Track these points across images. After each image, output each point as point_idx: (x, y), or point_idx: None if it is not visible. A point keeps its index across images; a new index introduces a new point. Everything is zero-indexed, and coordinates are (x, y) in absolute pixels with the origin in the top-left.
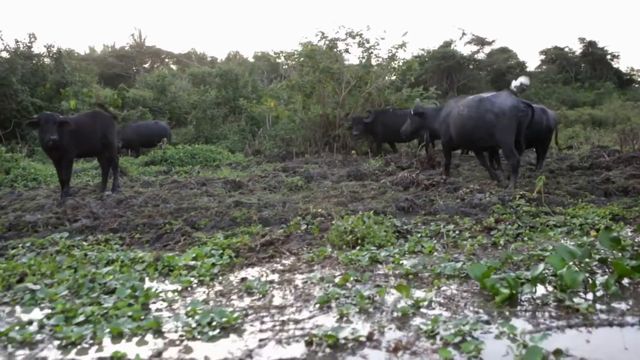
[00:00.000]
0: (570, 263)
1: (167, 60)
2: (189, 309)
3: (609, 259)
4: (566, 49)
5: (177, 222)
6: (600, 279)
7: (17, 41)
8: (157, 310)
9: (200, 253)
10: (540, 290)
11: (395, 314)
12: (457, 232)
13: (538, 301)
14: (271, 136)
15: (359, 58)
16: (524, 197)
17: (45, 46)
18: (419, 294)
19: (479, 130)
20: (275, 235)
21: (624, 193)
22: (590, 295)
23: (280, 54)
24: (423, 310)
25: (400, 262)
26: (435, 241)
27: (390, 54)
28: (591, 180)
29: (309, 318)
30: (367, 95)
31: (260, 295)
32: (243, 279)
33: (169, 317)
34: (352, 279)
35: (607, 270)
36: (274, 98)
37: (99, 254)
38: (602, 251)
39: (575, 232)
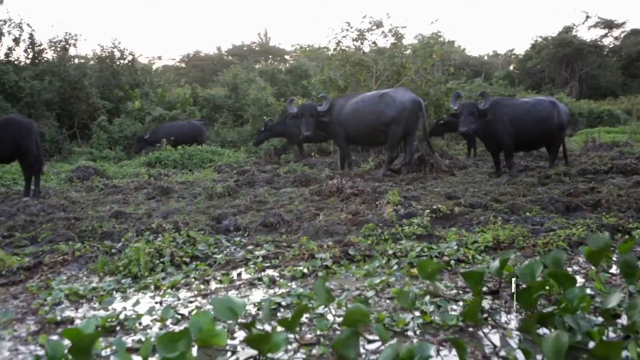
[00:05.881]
0: (220, 328)
1: (286, 57)
2: None
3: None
4: None
5: (22, 234)
6: None
7: (102, 47)
8: None
9: None
10: None
11: None
12: (259, 259)
13: None
14: None
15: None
16: (437, 212)
17: (119, 50)
18: None
19: (379, 125)
20: (74, 255)
21: (594, 208)
22: None
23: (307, 49)
24: None
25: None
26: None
27: (421, 43)
28: (565, 191)
29: None
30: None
31: None
32: None
33: None
34: None
35: None
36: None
37: None
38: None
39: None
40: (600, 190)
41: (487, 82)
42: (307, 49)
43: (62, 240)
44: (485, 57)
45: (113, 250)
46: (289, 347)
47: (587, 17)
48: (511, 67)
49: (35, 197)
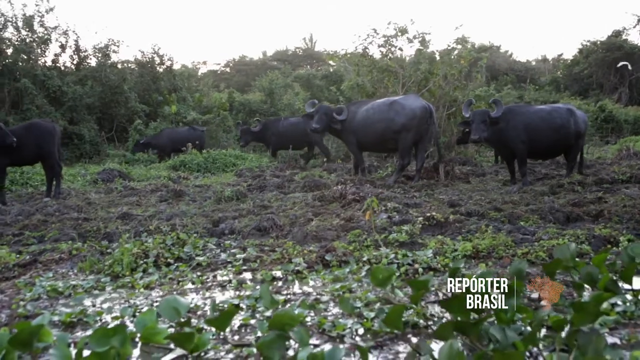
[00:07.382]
0: (162, 326)
1: (330, 62)
2: None
3: None
4: None
5: (32, 233)
6: None
7: (142, 53)
8: None
9: None
10: None
11: None
12: (239, 262)
13: None
14: None
15: (410, 54)
16: (431, 219)
17: (158, 56)
18: None
19: (389, 133)
20: (70, 254)
21: (595, 218)
22: None
23: (335, 55)
24: None
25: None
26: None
27: (447, 49)
28: (570, 200)
29: None
30: (429, 94)
31: None
32: None
33: None
34: None
35: None
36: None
37: None
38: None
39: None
40: (607, 201)
41: (532, 87)
42: (333, 54)
43: (67, 239)
44: (533, 63)
45: (108, 250)
46: (223, 347)
47: (639, 20)
48: (558, 73)
49: (56, 197)
